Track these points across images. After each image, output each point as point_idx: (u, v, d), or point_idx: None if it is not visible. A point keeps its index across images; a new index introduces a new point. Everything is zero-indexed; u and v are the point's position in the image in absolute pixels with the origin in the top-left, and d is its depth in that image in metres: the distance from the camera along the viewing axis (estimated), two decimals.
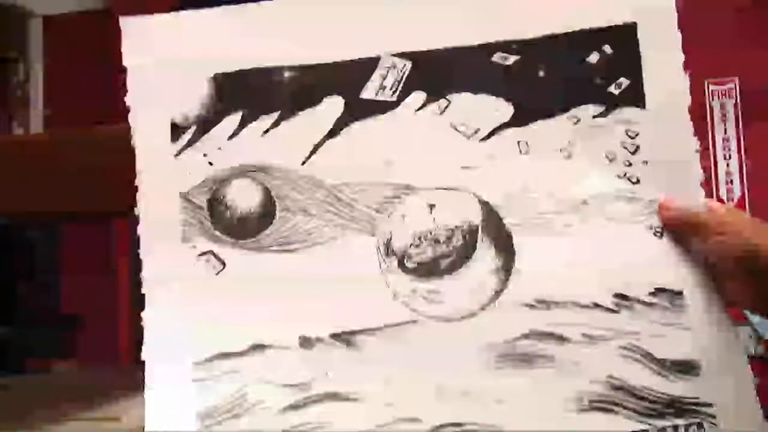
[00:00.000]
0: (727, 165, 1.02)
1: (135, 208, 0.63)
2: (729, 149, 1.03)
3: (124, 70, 0.65)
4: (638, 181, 0.65)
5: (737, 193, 1.02)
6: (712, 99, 1.02)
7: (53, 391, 0.79)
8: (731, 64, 1.02)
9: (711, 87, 1.02)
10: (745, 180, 1.03)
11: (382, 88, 0.66)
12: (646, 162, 0.65)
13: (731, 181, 1.02)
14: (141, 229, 0.63)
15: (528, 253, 0.63)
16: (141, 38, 0.66)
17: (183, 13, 0.66)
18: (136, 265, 0.63)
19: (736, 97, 1.02)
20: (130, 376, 0.61)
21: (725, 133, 1.02)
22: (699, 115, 1.03)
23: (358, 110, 0.65)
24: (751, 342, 0.69)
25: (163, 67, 0.65)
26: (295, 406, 0.59)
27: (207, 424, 0.59)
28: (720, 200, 0.99)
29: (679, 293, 0.63)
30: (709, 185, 0.99)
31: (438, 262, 0.63)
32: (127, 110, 0.64)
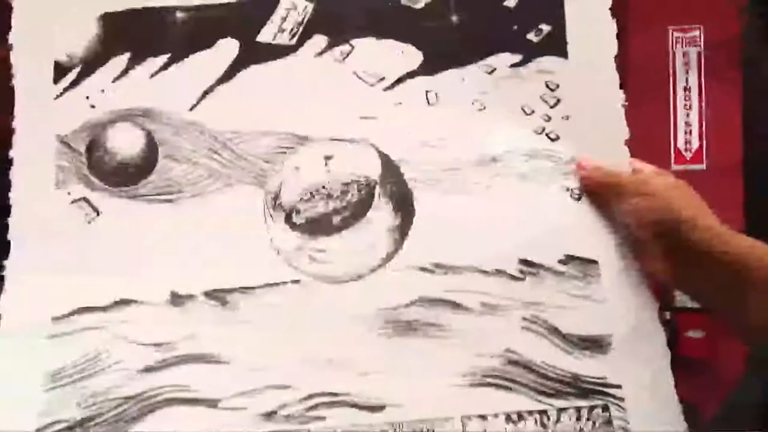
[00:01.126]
0: (687, 115, 0.95)
1: (10, 151, 0.59)
2: (689, 99, 0.95)
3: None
4: (557, 138, 0.59)
5: (695, 144, 0.95)
6: (675, 47, 0.95)
7: None
8: (696, 12, 0.95)
9: (675, 34, 0.95)
10: (704, 131, 0.95)
11: (281, 30, 0.60)
12: (566, 117, 0.59)
13: (690, 132, 0.95)
14: (13, 173, 0.59)
15: (428, 212, 0.58)
16: None
17: None
18: None
19: (700, 45, 0.95)
20: None
21: (687, 82, 0.95)
22: (661, 63, 0.97)
23: (253, 54, 0.60)
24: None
25: (50, 4, 0.61)
26: (155, 367, 0.54)
27: (55, 385, 0.54)
28: (677, 151, 0.92)
29: (593, 262, 0.57)
30: (667, 135, 0.93)
31: (329, 219, 0.58)
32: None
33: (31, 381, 0.53)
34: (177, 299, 0.56)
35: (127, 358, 0.54)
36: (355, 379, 0.54)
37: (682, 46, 0.95)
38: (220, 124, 0.59)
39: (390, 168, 0.58)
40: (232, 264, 0.57)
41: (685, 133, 0.95)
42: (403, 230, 0.57)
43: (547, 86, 0.59)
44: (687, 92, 0.95)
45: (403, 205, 0.58)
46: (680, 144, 0.95)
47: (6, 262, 0.57)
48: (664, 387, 0.54)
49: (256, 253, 0.57)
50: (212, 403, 0.53)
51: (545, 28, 0.59)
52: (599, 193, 0.57)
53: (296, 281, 0.56)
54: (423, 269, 0.57)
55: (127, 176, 0.59)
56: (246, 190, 0.58)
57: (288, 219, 0.58)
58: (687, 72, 0.95)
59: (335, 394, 0.54)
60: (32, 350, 0.54)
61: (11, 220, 0.58)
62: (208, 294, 0.56)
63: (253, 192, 0.58)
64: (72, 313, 0.55)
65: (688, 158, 0.95)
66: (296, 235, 0.57)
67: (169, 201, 0.58)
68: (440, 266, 0.56)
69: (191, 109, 0.59)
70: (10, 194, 0.59)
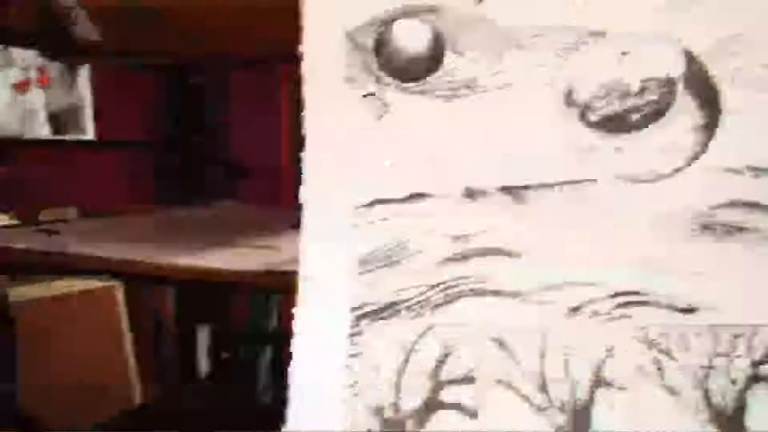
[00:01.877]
0: None
1: (299, 47, 0.60)
2: None
3: None
4: None
5: None
6: None
7: (216, 222, 0.79)
8: None
9: None
10: None
11: None
12: None
13: None
14: (304, 69, 0.59)
15: (738, 111, 0.54)
16: None
17: None
18: (298, 112, 0.60)
19: None
20: (291, 215, 0.58)
21: None
22: None
23: None
24: None
25: None
26: (455, 258, 0.54)
27: (366, 269, 0.55)
28: None
29: None
30: None
31: (627, 116, 0.55)
32: None
33: (341, 265, 0.55)
34: (471, 193, 0.55)
35: (426, 248, 0.55)
36: (662, 279, 0.52)
37: None
38: (509, 18, 0.57)
39: (694, 64, 0.55)
40: (526, 160, 0.55)
41: None
42: (709, 130, 0.54)
43: None
44: None
45: (709, 104, 0.54)
46: None
47: (303, 154, 0.58)
48: None
49: (549, 150, 0.55)
50: (515, 295, 0.53)
51: None
52: None
53: (593, 180, 0.54)
54: (732, 171, 0.53)
55: (415, 72, 0.58)
56: (538, 87, 0.56)
57: (582, 116, 0.56)
58: None
59: (643, 294, 0.52)
60: (338, 237, 0.55)
61: (305, 115, 0.59)
62: (503, 189, 0.55)
63: (545, 88, 0.56)
64: (371, 204, 0.56)
65: None
66: (592, 132, 0.55)
67: (458, 96, 0.57)
68: (752, 168, 0.53)
69: (479, 3, 0.58)
70: (303, 89, 0.60)
